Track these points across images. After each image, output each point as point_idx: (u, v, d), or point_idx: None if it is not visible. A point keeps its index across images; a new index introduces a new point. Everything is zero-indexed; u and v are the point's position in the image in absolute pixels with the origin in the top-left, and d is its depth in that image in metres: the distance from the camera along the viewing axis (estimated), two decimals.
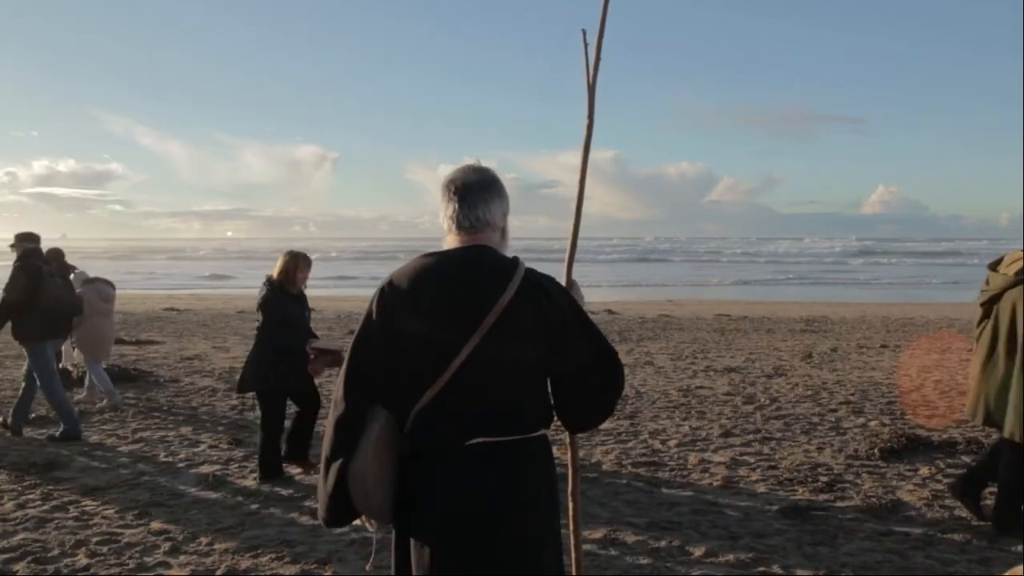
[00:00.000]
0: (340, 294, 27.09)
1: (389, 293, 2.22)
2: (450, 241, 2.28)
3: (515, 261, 2.23)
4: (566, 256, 2.63)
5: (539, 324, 2.17)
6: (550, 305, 2.19)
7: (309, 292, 6.01)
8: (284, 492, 5.44)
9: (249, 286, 34.85)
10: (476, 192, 2.26)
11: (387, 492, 2.18)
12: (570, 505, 2.59)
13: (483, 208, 2.26)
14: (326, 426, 2.28)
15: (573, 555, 2.58)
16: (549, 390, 2.30)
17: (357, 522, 2.35)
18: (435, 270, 2.21)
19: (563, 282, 2.46)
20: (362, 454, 2.16)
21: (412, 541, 2.19)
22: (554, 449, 2.42)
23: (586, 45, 2.76)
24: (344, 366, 2.26)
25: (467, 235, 2.26)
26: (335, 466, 2.20)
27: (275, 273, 5.72)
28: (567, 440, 2.63)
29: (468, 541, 2.12)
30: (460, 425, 2.14)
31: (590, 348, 2.27)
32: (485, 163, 2.36)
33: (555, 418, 2.34)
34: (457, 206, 2.25)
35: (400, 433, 2.19)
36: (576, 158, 2.72)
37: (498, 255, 2.26)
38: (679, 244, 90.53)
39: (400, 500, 2.21)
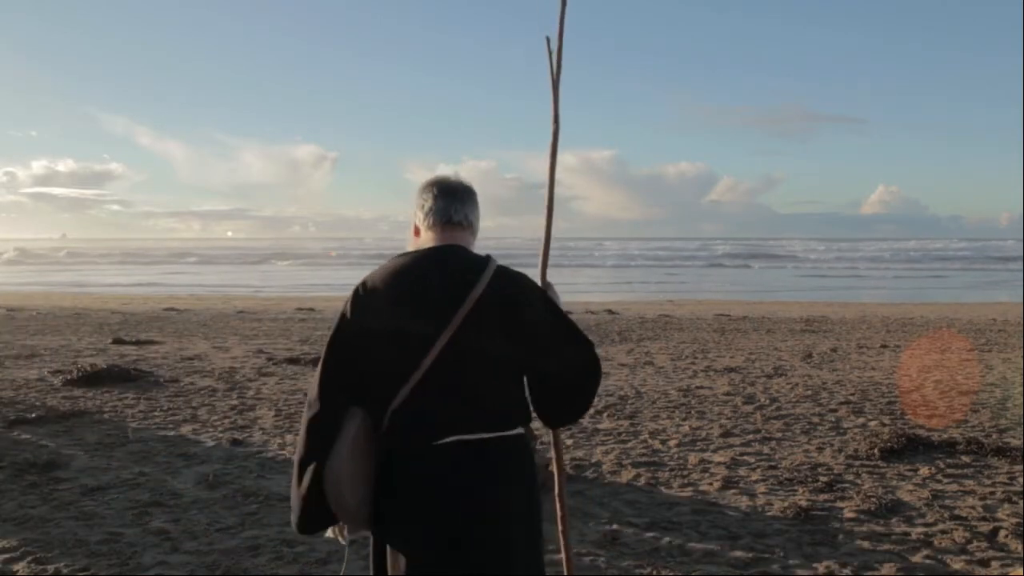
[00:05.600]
0: (340, 295, 27.04)
1: (363, 293, 2.22)
2: (425, 240, 2.30)
3: (487, 258, 2.25)
4: (540, 258, 2.59)
5: (512, 319, 2.17)
6: (523, 301, 2.21)
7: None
8: (284, 492, 5.44)
9: (246, 286, 34.87)
10: (461, 192, 2.32)
11: (363, 495, 2.15)
12: (557, 506, 2.54)
13: (469, 207, 2.31)
14: (300, 427, 2.24)
15: (564, 556, 2.57)
16: (526, 386, 2.28)
17: (329, 533, 2.31)
18: (408, 268, 2.22)
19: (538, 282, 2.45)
20: (337, 455, 2.13)
21: (388, 544, 2.16)
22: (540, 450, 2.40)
23: (550, 53, 2.69)
24: (319, 367, 2.23)
25: (447, 232, 2.28)
26: (310, 468, 2.17)
27: None
28: (552, 439, 2.59)
29: (443, 542, 2.09)
30: (435, 423, 2.12)
31: (565, 341, 2.27)
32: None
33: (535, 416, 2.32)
34: (443, 203, 2.28)
35: (376, 434, 2.17)
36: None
37: (471, 253, 2.28)
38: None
39: (376, 503, 2.17)
